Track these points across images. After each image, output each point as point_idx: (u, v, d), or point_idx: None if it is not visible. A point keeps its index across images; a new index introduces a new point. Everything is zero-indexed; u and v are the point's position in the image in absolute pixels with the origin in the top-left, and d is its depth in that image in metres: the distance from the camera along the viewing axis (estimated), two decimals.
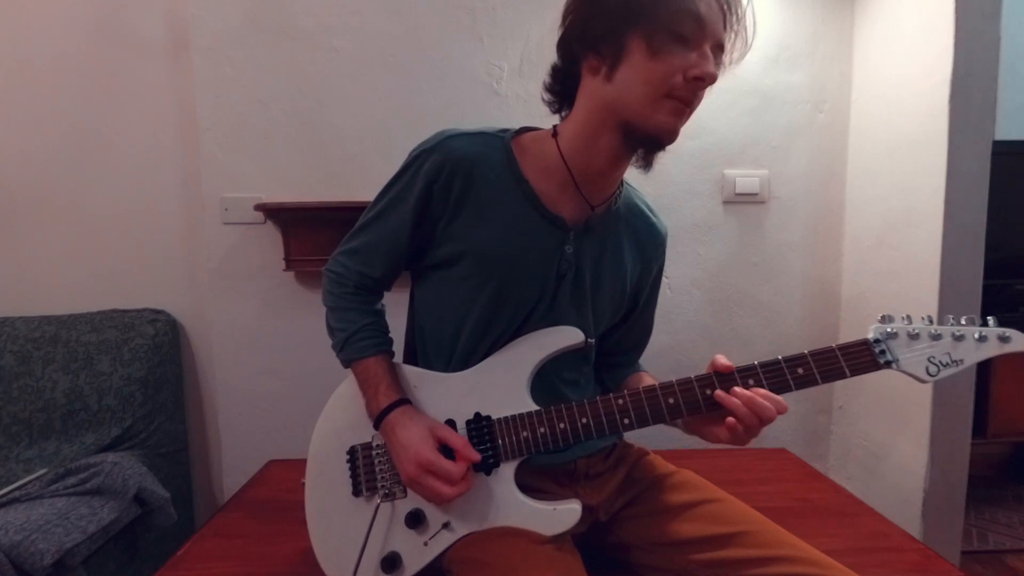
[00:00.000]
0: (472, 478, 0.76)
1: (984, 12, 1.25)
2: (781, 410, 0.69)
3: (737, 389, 0.71)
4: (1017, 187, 1.71)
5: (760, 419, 0.69)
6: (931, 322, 0.70)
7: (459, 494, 0.74)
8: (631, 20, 0.68)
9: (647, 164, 0.79)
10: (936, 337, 0.69)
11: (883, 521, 1.09)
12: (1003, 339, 0.68)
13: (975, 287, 1.32)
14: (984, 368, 1.73)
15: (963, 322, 0.70)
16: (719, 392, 0.71)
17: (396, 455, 0.77)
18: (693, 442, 1.75)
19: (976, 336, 0.68)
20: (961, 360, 0.68)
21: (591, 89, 0.75)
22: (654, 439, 1.62)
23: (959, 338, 0.68)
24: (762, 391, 0.70)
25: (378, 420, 0.79)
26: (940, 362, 0.68)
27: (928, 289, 1.33)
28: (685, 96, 0.71)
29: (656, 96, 0.70)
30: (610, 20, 0.70)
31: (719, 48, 0.71)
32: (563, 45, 0.78)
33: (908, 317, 0.71)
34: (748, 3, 0.74)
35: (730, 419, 0.70)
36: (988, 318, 0.70)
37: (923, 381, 0.69)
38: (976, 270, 1.32)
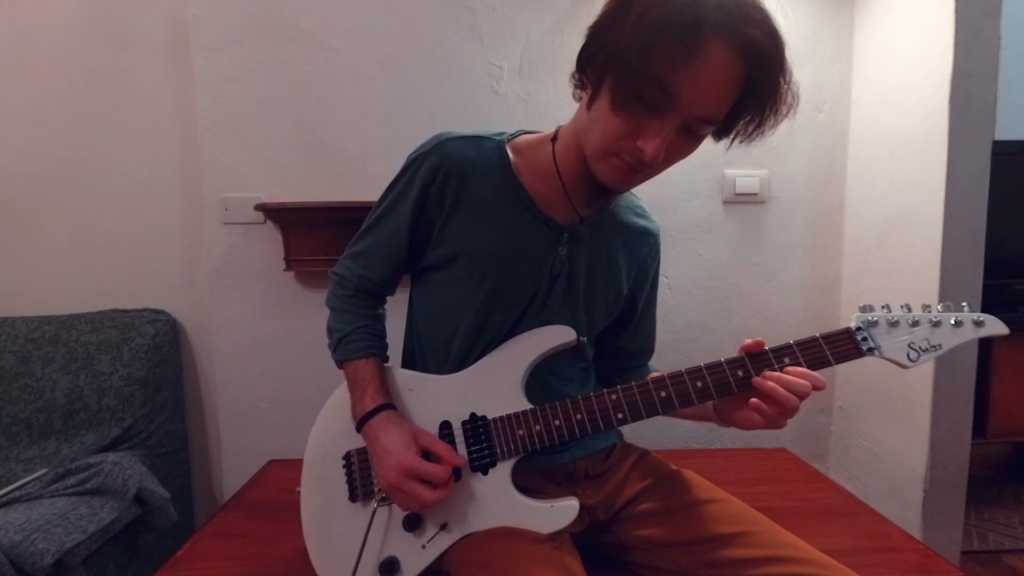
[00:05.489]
0: (453, 484, 0.76)
1: (984, 12, 1.25)
2: (818, 385, 0.69)
3: (770, 372, 0.71)
4: (1017, 187, 1.70)
5: (795, 394, 0.68)
6: (909, 310, 0.72)
7: (440, 499, 0.74)
8: (609, 65, 0.65)
9: (602, 206, 0.81)
10: (915, 324, 0.71)
11: (883, 521, 1.09)
12: (978, 323, 0.70)
13: (975, 287, 1.32)
14: (984, 368, 1.73)
15: (940, 309, 0.72)
16: (756, 379, 0.71)
17: (378, 460, 0.77)
18: (693, 442, 1.75)
19: (952, 322, 0.71)
20: (940, 345, 0.71)
21: (582, 104, 0.73)
22: (654, 439, 1.62)
23: (936, 324, 0.71)
24: (795, 369, 0.70)
25: (361, 423, 0.79)
26: (920, 347, 0.71)
27: (928, 289, 1.33)
28: (629, 161, 0.68)
29: (605, 150, 0.69)
30: (598, 51, 0.67)
31: (704, 122, 0.66)
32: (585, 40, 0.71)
33: (887, 306, 0.73)
34: (787, 85, 0.65)
35: (753, 400, 0.70)
36: (964, 304, 0.72)
37: (904, 367, 0.71)
38: (976, 270, 1.32)
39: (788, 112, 0.67)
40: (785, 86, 0.66)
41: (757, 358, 0.73)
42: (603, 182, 0.73)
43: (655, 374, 0.78)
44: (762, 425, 0.71)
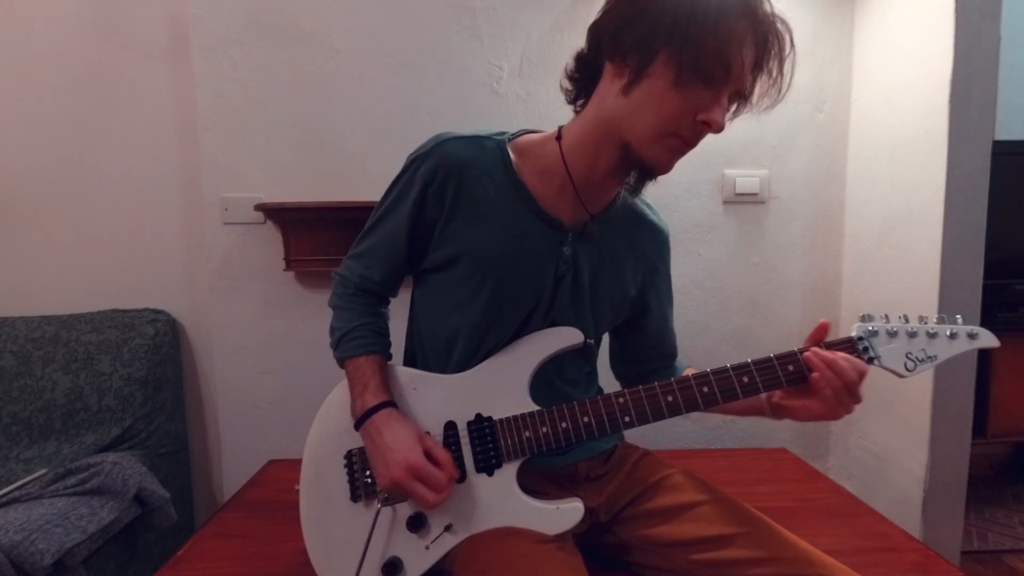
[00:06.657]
0: (451, 488, 0.76)
1: (984, 12, 1.25)
2: (861, 372, 0.71)
3: (822, 352, 0.72)
4: (1017, 187, 1.71)
5: (842, 381, 0.70)
6: (906, 320, 0.75)
7: (441, 502, 0.74)
8: (668, 40, 0.66)
9: (635, 190, 0.81)
10: (912, 335, 0.74)
11: (883, 521, 1.09)
12: (971, 336, 0.73)
13: (975, 287, 1.32)
14: (984, 368, 1.73)
15: (935, 321, 0.74)
16: (808, 355, 0.72)
17: (381, 456, 0.76)
18: (693, 442, 1.75)
19: (948, 333, 0.73)
20: (935, 356, 0.73)
21: (606, 94, 0.74)
22: (655, 439, 1.63)
23: (933, 335, 0.73)
24: (841, 354, 0.72)
25: (361, 420, 0.79)
26: (916, 358, 0.73)
27: (928, 289, 1.33)
28: (689, 137, 0.71)
29: (663, 131, 0.70)
30: (648, 32, 0.67)
31: (737, 95, 0.72)
32: (593, 34, 0.74)
33: (886, 316, 0.75)
34: (789, 59, 0.74)
35: (815, 375, 0.71)
36: (957, 316, 0.75)
37: (901, 376, 0.74)
38: (976, 270, 1.32)
39: (781, 76, 0.74)
40: (777, 53, 0.73)
41: (762, 364, 0.73)
42: (651, 164, 0.73)
43: (689, 371, 0.78)
44: (820, 412, 0.72)
